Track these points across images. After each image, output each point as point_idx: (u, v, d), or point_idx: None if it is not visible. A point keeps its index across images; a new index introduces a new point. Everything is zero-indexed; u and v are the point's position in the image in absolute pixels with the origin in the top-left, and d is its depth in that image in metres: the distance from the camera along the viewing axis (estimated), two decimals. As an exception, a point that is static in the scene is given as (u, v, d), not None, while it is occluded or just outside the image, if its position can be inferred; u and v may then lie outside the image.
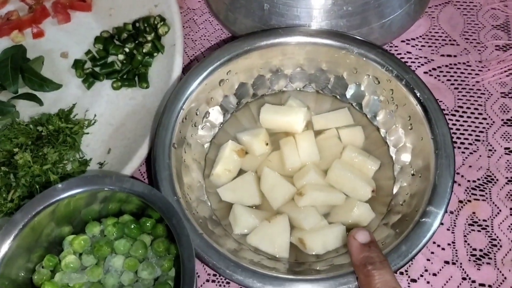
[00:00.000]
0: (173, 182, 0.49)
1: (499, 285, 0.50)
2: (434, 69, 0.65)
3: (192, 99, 0.54)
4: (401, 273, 0.52)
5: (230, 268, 0.44)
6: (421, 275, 0.51)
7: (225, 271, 0.44)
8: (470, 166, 0.57)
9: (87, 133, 0.61)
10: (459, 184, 0.56)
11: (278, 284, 0.44)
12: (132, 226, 0.49)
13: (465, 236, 0.53)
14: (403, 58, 0.66)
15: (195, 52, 0.69)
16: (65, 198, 0.46)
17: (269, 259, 0.49)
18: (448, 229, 0.53)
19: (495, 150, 0.58)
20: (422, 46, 0.67)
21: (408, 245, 0.46)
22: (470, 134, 0.59)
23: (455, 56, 0.65)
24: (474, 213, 0.54)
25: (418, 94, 0.52)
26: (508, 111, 0.61)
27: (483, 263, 0.51)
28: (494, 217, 0.54)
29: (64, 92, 0.65)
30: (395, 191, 0.53)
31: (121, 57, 0.66)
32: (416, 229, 0.46)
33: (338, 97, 0.60)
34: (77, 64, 0.65)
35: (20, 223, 0.45)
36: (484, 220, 0.54)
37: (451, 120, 0.60)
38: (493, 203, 0.55)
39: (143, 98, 0.63)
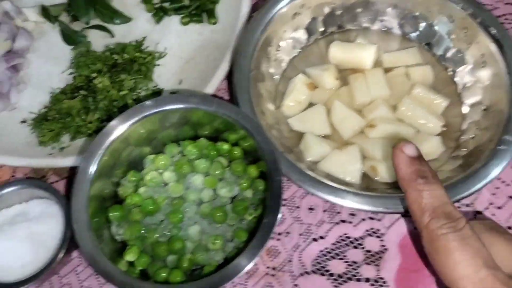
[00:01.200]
0: (253, 106, 0.51)
1: None
2: (498, 16, 0.65)
3: (268, 30, 0.55)
4: (467, 205, 0.53)
5: (313, 184, 0.46)
6: (486, 208, 0.53)
7: (308, 186, 0.46)
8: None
9: (158, 65, 0.63)
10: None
11: (360, 198, 0.46)
12: (211, 148, 0.51)
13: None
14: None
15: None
16: (153, 114, 0.49)
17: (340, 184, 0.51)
18: (512, 167, 0.55)
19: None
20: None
21: (481, 173, 0.47)
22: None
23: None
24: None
25: (493, 32, 0.53)
26: None
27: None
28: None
29: (133, 25, 0.66)
30: (464, 127, 0.54)
31: (189, -8, 0.67)
32: (490, 159, 0.48)
33: (407, 36, 0.61)
34: (147, -1, 0.67)
35: (110, 137, 0.48)
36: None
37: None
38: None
39: (211, 34, 0.64)
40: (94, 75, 0.59)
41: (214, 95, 0.57)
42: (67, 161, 0.54)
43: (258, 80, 0.55)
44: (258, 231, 0.43)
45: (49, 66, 0.64)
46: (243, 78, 0.52)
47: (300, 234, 0.54)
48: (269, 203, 0.44)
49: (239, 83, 0.52)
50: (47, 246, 0.50)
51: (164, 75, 0.62)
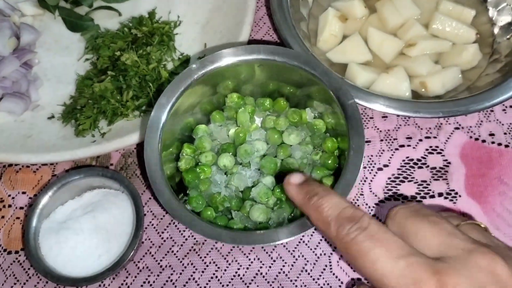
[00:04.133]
0: (304, 45, 0.51)
1: None
2: None
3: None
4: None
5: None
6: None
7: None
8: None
9: (176, 34, 0.61)
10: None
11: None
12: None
13: None
14: None
15: None
16: (201, 75, 0.47)
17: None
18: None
19: None
20: None
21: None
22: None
23: None
24: None
25: None
26: None
27: None
28: None
29: (138, 0, 0.64)
30: (496, 31, 0.56)
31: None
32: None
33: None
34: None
35: (166, 107, 0.46)
36: None
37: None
38: None
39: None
40: (117, 53, 0.56)
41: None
42: (115, 144, 0.51)
43: (297, 20, 0.54)
44: (347, 162, 0.42)
45: (61, 58, 0.60)
46: (283, 19, 0.51)
47: (364, 167, 0.54)
48: (350, 130, 0.43)
49: (283, 23, 0.51)
50: (118, 235, 0.48)
51: (185, 43, 0.60)
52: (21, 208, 0.53)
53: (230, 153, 0.49)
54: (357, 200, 0.52)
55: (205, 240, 0.51)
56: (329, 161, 0.48)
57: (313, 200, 0.37)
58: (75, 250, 0.47)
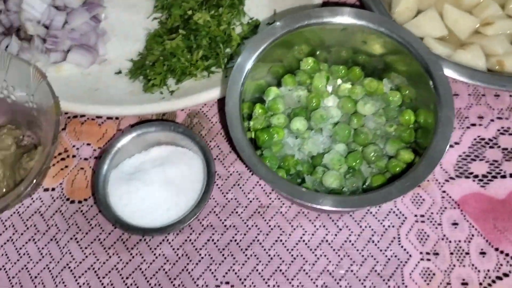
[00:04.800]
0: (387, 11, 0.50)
1: None
2: None
3: None
4: None
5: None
6: None
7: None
8: None
9: (247, -3, 0.60)
10: None
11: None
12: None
13: None
14: None
15: None
16: (284, 34, 0.46)
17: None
18: None
19: None
20: None
21: None
22: None
23: None
24: None
25: None
26: None
27: None
28: None
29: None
30: None
31: None
32: None
33: None
34: None
35: (249, 62, 0.45)
36: None
37: None
38: None
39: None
40: (189, 13, 0.55)
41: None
42: (184, 102, 0.51)
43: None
44: (435, 134, 0.42)
45: (128, 15, 0.60)
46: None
47: (433, 143, 0.52)
48: (438, 101, 0.42)
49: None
50: (186, 190, 0.48)
51: (254, 8, 0.59)
52: (86, 159, 0.53)
53: (303, 117, 0.48)
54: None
55: (270, 204, 0.50)
56: (405, 134, 0.47)
57: None
58: (144, 201, 0.46)
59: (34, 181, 0.42)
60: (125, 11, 0.60)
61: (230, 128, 0.42)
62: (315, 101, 0.49)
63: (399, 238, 0.48)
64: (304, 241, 0.48)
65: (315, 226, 0.49)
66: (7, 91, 0.50)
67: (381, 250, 0.48)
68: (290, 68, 0.52)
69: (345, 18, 0.46)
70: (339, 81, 0.51)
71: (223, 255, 0.48)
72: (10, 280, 0.47)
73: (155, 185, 0.47)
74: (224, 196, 0.50)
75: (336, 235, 0.49)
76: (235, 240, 0.48)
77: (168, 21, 0.56)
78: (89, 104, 0.52)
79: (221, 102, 0.55)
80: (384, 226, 0.49)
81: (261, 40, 0.46)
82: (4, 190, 0.49)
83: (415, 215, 0.49)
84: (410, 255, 0.47)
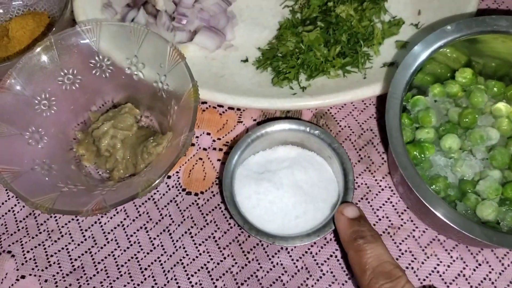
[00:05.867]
0: None
1: None
2: None
3: None
4: None
5: None
6: None
7: None
8: None
9: (385, -6, 0.55)
10: None
11: None
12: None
13: None
14: None
15: None
16: (455, 39, 0.41)
17: None
18: None
19: None
20: None
21: None
22: None
23: None
24: None
25: None
26: None
27: None
28: None
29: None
30: None
31: None
32: None
33: None
34: None
35: (412, 68, 0.41)
36: None
37: None
38: None
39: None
40: (330, 4, 0.51)
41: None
42: (320, 101, 0.47)
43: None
44: None
45: (258, 0, 0.56)
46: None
47: None
48: None
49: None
50: (315, 198, 0.43)
51: (394, 6, 0.54)
52: (204, 149, 0.49)
53: (456, 135, 0.43)
54: None
55: (402, 225, 0.45)
56: None
57: (358, 242, 0.38)
58: (273, 205, 0.43)
59: (166, 171, 0.39)
60: (254, -5, 0.56)
61: (390, 140, 0.38)
62: (470, 118, 0.43)
63: (550, 285, 0.42)
64: (438, 272, 0.43)
65: (451, 257, 0.44)
66: (135, 67, 0.47)
67: (526, 296, 0.42)
68: (439, 76, 0.46)
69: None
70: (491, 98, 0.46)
71: (346, 274, 0.44)
72: (119, 268, 0.45)
73: (284, 188, 0.43)
74: (375, 212, 0.46)
75: (474, 270, 0.43)
76: (363, 260, 0.44)
77: (304, 11, 0.52)
78: (216, 91, 0.48)
79: (348, 105, 0.50)
80: (532, 269, 0.43)
81: (429, 44, 0.41)
82: (121, 171, 0.46)
83: None
84: (562, 307, 0.42)
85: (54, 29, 0.48)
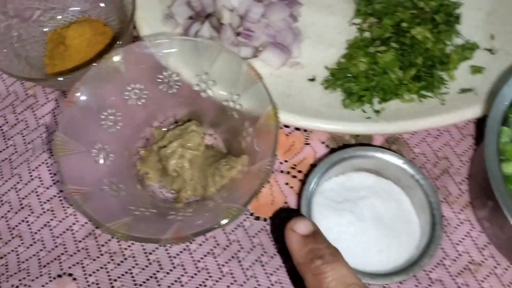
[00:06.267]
0: None
1: None
2: None
3: None
4: None
5: None
6: None
7: None
8: None
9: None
10: None
11: None
12: None
13: None
14: None
15: None
16: None
17: None
18: None
19: None
20: None
21: None
22: None
23: None
24: None
25: None
26: None
27: None
28: None
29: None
30: None
31: None
32: None
33: None
34: None
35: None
36: None
37: None
38: None
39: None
40: (404, 25, 0.49)
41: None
42: (399, 127, 0.45)
43: None
44: None
45: (323, 17, 0.54)
46: None
47: None
48: None
49: None
50: (397, 232, 0.41)
51: (464, 29, 0.52)
52: (272, 172, 0.47)
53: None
54: None
55: (483, 261, 0.43)
56: None
57: (316, 263, 0.32)
58: (355, 238, 0.40)
59: (250, 199, 0.37)
60: (319, 11, 0.54)
61: (490, 174, 0.36)
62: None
63: None
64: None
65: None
66: (205, 84, 0.45)
67: None
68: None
69: None
70: None
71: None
72: (186, 296, 0.42)
73: (366, 220, 0.41)
74: (454, 247, 0.44)
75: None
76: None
77: (374, 30, 0.50)
78: (285, 111, 0.46)
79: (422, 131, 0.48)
80: None
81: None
82: (189, 192, 0.44)
83: None
84: None
85: (120, 42, 0.46)
